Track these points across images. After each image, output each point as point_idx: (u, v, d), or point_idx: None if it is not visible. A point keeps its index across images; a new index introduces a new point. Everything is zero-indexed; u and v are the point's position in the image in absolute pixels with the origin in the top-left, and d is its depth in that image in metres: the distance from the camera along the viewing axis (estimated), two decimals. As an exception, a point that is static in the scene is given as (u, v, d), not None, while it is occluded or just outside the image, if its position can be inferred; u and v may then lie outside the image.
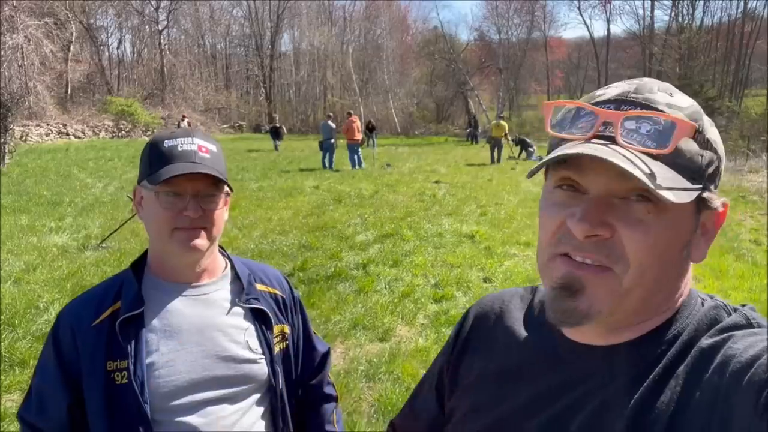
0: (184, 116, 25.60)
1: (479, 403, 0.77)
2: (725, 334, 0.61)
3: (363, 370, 3.86)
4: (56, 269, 5.81)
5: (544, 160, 0.63)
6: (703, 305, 0.67)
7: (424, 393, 0.93)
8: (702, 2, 37.82)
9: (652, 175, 0.56)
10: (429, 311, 4.95)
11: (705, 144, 0.62)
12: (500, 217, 8.82)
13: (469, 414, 0.78)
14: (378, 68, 43.83)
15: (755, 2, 37.87)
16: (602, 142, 0.60)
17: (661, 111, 0.60)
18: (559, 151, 0.61)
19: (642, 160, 0.58)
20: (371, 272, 5.87)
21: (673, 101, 0.62)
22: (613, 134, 0.60)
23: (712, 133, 0.64)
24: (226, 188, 1.20)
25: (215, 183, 1.16)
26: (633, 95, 0.63)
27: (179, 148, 1.14)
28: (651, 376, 0.62)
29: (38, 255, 6.30)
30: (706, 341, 0.62)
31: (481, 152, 20.24)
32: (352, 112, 19.10)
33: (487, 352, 0.81)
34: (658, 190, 0.56)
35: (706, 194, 0.62)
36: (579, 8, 48.33)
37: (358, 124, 16.11)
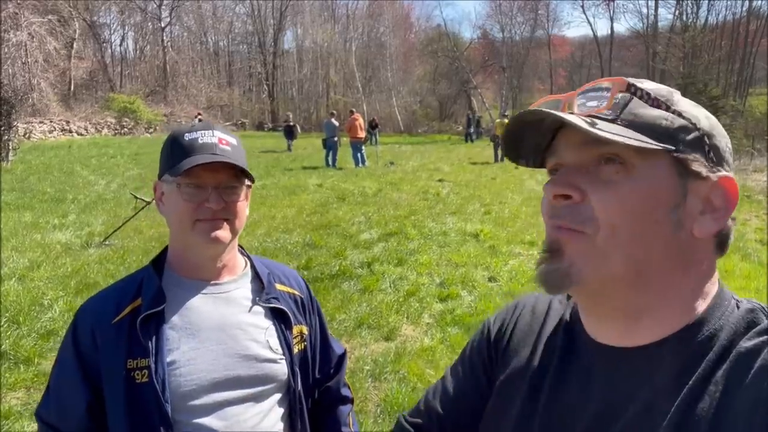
0: (198, 114, 25.36)
1: (514, 404, 0.75)
2: (764, 337, 0.59)
3: (368, 369, 3.84)
4: (60, 266, 5.80)
5: (505, 129, 0.69)
6: (738, 306, 0.65)
7: (461, 369, 0.89)
8: (706, 1, 37.74)
9: (591, 124, 0.60)
10: (434, 310, 4.93)
11: (667, 109, 0.64)
12: (504, 215, 8.80)
13: (500, 413, 0.77)
14: (381, 66, 43.78)
15: (760, 1, 37.68)
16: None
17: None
18: (511, 122, 0.68)
19: (591, 117, 0.63)
20: (376, 271, 5.85)
21: (639, 83, 0.65)
22: (573, 111, 0.66)
23: (688, 106, 0.65)
24: (248, 181, 1.18)
25: (236, 175, 1.15)
26: (600, 81, 0.69)
27: (200, 141, 1.13)
28: (690, 382, 0.60)
29: (42, 252, 6.30)
30: (744, 344, 0.60)
31: (485, 150, 20.20)
32: (354, 110, 19.07)
33: (518, 353, 0.80)
34: (590, 128, 0.59)
35: (681, 155, 0.62)
36: (582, 6, 47.93)
37: (360, 122, 16.10)
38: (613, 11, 46.01)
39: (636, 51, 47.53)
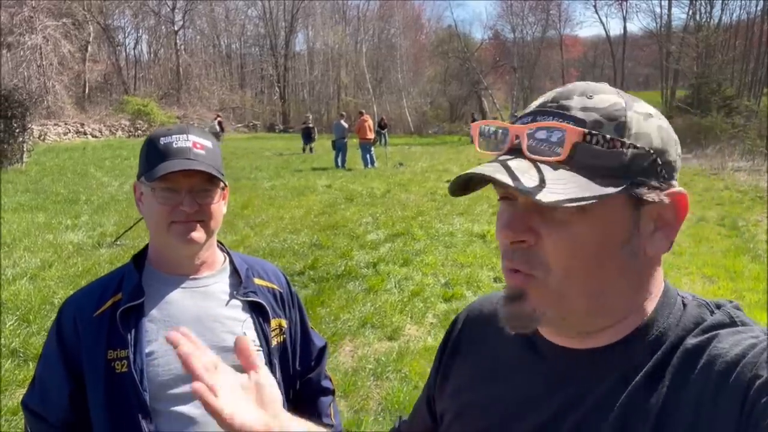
0: (217, 116, 25.25)
1: (468, 405, 0.78)
2: (710, 334, 0.61)
3: (371, 368, 3.87)
4: (71, 266, 5.89)
5: (454, 179, 0.67)
6: (684, 304, 0.66)
7: (419, 403, 0.94)
8: (720, 0, 37.32)
9: (538, 186, 0.59)
10: (438, 310, 4.95)
11: (616, 145, 0.61)
12: (512, 216, 8.77)
13: (458, 417, 0.79)
14: (392, 67, 43.85)
15: (775, -1, 37.17)
16: (510, 156, 0.64)
17: (570, 116, 0.62)
18: (456, 179, 0.67)
19: (539, 170, 0.60)
20: (381, 271, 5.88)
21: (591, 103, 0.63)
22: (521, 148, 0.63)
23: (645, 126, 0.63)
24: (222, 183, 1.22)
25: (210, 178, 1.18)
26: (550, 104, 0.65)
27: (174, 145, 1.17)
28: (638, 378, 0.62)
29: (54, 252, 6.40)
30: (691, 341, 0.61)
31: (495, 152, 20.11)
32: (363, 111, 19.09)
33: (476, 355, 0.82)
34: (536, 197, 0.57)
35: (636, 190, 0.61)
36: (595, 6, 47.80)
37: (370, 123, 16.13)
38: (626, 11, 45.79)
39: (649, 51, 47.15)
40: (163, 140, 1.18)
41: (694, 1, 37.11)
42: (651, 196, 0.62)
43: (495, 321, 0.81)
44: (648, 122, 0.63)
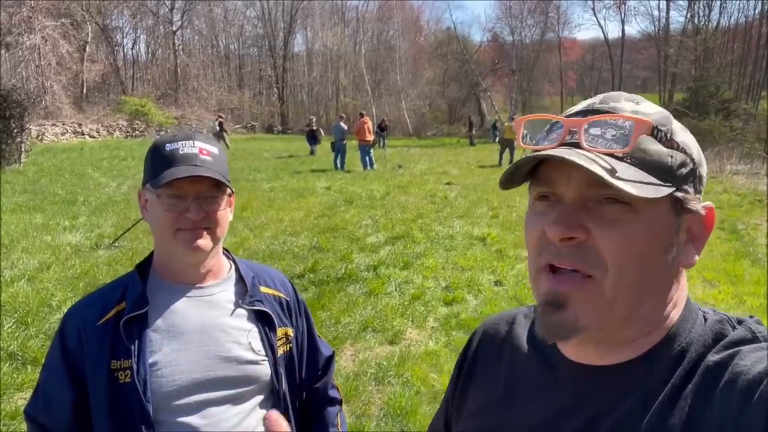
0: (219, 116, 25.25)
1: (485, 429, 0.76)
2: (732, 350, 0.60)
3: (372, 372, 3.84)
4: (69, 268, 5.86)
5: (513, 164, 0.64)
6: (705, 318, 0.66)
7: (437, 419, 0.92)
8: (718, 3, 37.39)
9: (611, 171, 0.58)
10: (439, 314, 4.92)
11: (672, 145, 0.62)
12: (512, 219, 8.77)
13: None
14: (390, 69, 43.86)
15: (773, 3, 37.26)
16: (568, 149, 0.62)
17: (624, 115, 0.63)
18: (524, 161, 0.63)
19: (605, 161, 0.59)
20: (382, 274, 5.86)
21: (639, 108, 0.64)
22: (578, 141, 0.62)
23: (684, 136, 0.64)
24: (228, 189, 1.21)
25: (217, 185, 1.17)
26: (599, 105, 0.65)
27: (180, 152, 1.15)
28: (660, 397, 0.60)
29: (52, 254, 6.36)
30: (712, 358, 0.61)
31: (493, 154, 20.14)
32: (364, 112, 19.08)
33: (492, 377, 0.80)
34: (615, 182, 0.56)
35: (680, 194, 0.62)
36: (593, 9, 47.77)
37: (369, 124, 16.10)
38: (624, 14, 45.81)
39: (647, 54, 47.25)
40: (168, 146, 1.16)
41: (692, 5, 37.23)
42: (693, 204, 0.63)
43: (511, 340, 0.80)
44: (687, 134, 0.65)
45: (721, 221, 9.08)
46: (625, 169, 0.59)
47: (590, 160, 0.58)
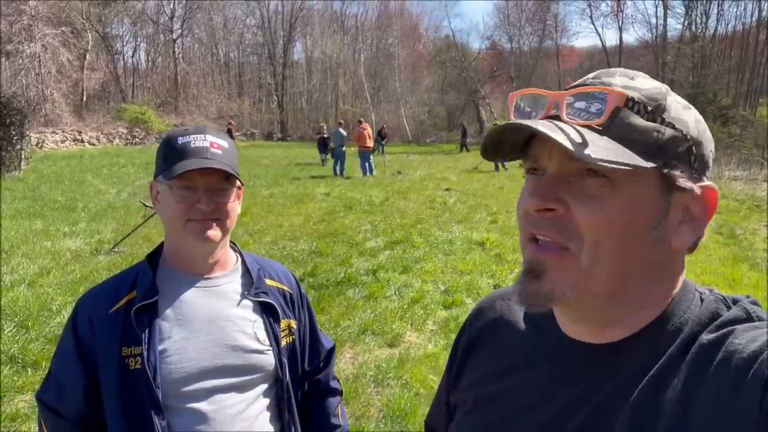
0: (230, 123, 25.68)
1: (481, 399, 0.77)
2: (726, 329, 0.60)
3: (372, 375, 3.85)
4: (69, 273, 5.87)
5: (489, 133, 0.65)
6: (702, 299, 0.66)
7: (439, 395, 0.94)
8: (716, 10, 37.61)
9: (582, 143, 0.58)
10: (438, 317, 4.94)
11: (658, 120, 0.61)
12: (511, 224, 8.79)
13: (472, 412, 0.79)
14: (390, 76, 44.03)
15: (770, 11, 37.47)
16: (548, 122, 0.61)
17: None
18: (492, 131, 0.64)
19: (580, 133, 0.59)
20: (381, 278, 5.87)
21: (633, 84, 0.63)
22: (560, 114, 0.62)
23: (682, 114, 0.63)
24: (238, 182, 1.24)
25: (227, 177, 1.20)
26: (591, 80, 0.65)
27: (192, 145, 1.19)
28: (653, 372, 0.61)
29: (52, 259, 6.37)
30: (706, 336, 0.61)
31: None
32: (362, 119, 19.13)
33: (490, 350, 0.81)
34: (577, 151, 0.56)
35: (670, 172, 0.61)
36: (591, 17, 47.90)
37: (369, 131, 16.16)
38: (622, 21, 46.01)
39: (645, 61, 47.38)
40: (180, 140, 1.20)
41: (689, 12, 37.43)
42: (683, 181, 0.62)
43: (509, 316, 0.81)
44: (686, 111, 0.64)
45: (720, 226, 9.10)
46: (600, 142, 0.59)
47: (558, 130, 0.58)
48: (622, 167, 0.57)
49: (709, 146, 0.65)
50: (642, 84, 0.63)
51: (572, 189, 0.61)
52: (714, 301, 0.65)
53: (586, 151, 0.57)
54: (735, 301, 0.64)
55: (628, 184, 0.60)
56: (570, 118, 0.61)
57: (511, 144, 0.66)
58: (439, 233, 8.02)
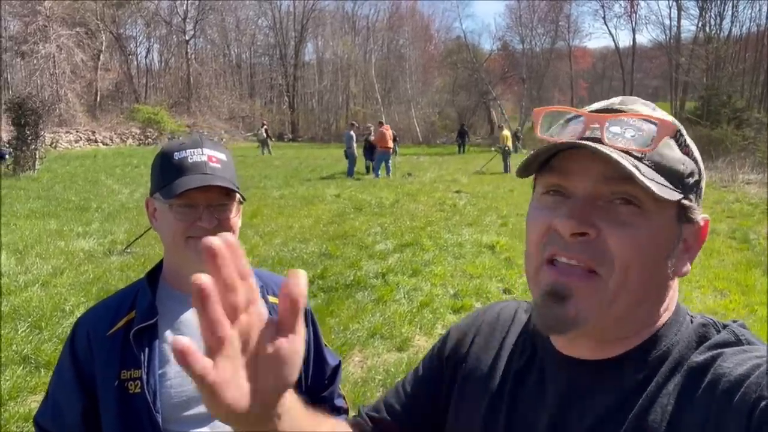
0: (264, 124, 26.06)
1: (477, 409, 0.77)
2: (714, 352, 0.61)
3: (380, 379, 3.86)
4: (82, 273, 5.93)
5: (535, 151, 0.64)
6: (692, 322, 0.67)
7: (419, 375, 0.89)
8: (730, 12, 37.23)
9: (636, 168, 0.58)
10: (447, 321, 4.93)
11: (687, 152, 0.64)
12: (521, 228, 8.69)
13: (459, 421, 0.79)
14: (400, 77, 44.03)
15: (786, 12, 37.02)
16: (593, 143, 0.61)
17: (645, 117, 0.63)
18: (547, 149, 0.63)
19: (627, 159, 0.59)
20: (390, 281, 5.88)
21: (655, 114, 0.65)
22: (599, 136, 0.62)
23: (693, 146, 0.66)
24: (239, 196, 1.20)
25: (227, 192, 1.17)
26: (618, 106, 0.66)
27: (190, 160, 1.15)
28: (644, 394, 0.62)
29: (65, 259, 6.45)
30: (695, 359, 0.62)
31: (499, 162, 20.12)
32: (383, 121, 19.24)
33: (483, 363, 0.81)
34: (642, 179, 0.57)
35: (686, 202, 0.63)
36: (604, 18, 47.67)
37: (390, 132, 16.20)
38: (635, 23, 45.65)
39: (658, 62, 47.08)
40: (177, 155, 1.16)
41: (703, 13, 37.07)
42: (695, 213, 0.64)
43: (509, 328, 0.82)
44: (693, 144, 0.66)
45: (733, 231, 9.01)
46: (646, 170, 0.60)
47: (619, 155, 0.59)
48: (672, 196, 0.60)
49: (704, 177, 0.68)
50: (664, 115, 0.65)
51: (604, 214, 0.61)
52: (702, 325, 0.66)
53: (644, 179, 0.58)
54: (724, 326, 0.65)
55: (657, 213, 0.61)
56: (611, 143, 0.61)
57: (540, 161, 0.66)
58: (449, 236, 8.01)
